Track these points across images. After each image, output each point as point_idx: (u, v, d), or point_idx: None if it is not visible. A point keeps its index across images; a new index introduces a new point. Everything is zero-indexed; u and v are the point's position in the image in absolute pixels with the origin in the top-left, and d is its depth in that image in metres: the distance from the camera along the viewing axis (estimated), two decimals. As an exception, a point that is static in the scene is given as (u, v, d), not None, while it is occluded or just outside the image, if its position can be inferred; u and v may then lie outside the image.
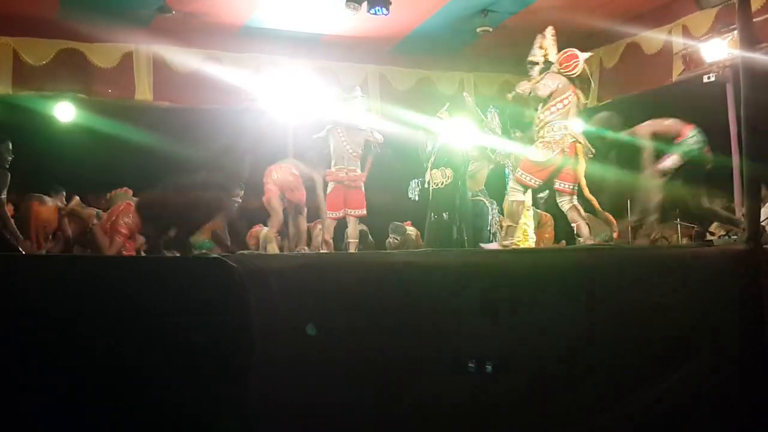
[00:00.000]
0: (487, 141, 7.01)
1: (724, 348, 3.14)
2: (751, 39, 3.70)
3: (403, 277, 2.56)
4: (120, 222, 6.49)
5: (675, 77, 7.53)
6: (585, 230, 5.53)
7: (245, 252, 6.35)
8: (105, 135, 7.40)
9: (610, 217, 5.84)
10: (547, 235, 7.70)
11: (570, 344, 2.80)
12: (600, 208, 5.76)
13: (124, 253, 6.49)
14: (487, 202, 7.10)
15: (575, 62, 5.78)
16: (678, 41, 7.45)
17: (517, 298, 2.73)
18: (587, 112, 8.69)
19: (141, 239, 7.05)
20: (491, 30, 7.78)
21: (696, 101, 7.55)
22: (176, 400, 2.26)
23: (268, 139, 8.06)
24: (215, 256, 2.81)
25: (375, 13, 6.97)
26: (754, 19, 4.13)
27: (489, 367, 2.52)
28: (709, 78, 6.97)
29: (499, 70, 9.31)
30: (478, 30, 7.84)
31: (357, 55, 8.63)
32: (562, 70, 5.79)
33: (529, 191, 6.19)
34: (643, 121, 6.05)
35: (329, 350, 2.30)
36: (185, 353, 2.26)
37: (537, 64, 5.95)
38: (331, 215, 6.64)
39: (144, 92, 7.95)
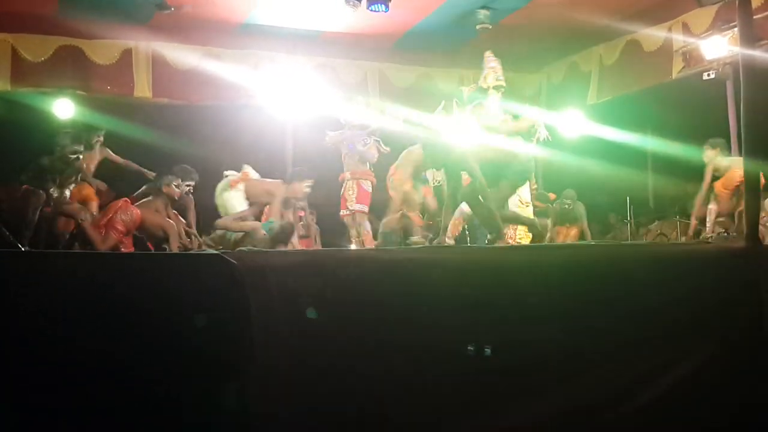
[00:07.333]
0: (486, 138, 7.01)
1: (721, 345, 3.14)
2: (751, 36, 3.69)
3: (404, 273, 2.56)
4: (117, 219, 6.45)
5: (675, 74, 7.51)
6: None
7: (245, 249, 6.34)
8: (104, 132, 7.39)
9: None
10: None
11: (568, 341, 2.80)
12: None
13: (123, 250, 6.47)
14: None
15: None
16: (678, 38, 7.44)
17: (516, 295, 2.74)
18: (588, 109, 8.73)
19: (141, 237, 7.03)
20: (491, 27, 7.77)
21: (696, 98, 7.56)
22: (174, 398, 2.25)
23: (267, 136, 8.10)
24: (215, 252, 2.80)
25: (375, 10, 6.95)
26: (754, 16, 4.13)
27: (488, 350, 2.53)
28: (709, 75, 6.97)
29: (498, 67, 9.32)
30: (478, 27, 7.83)
31: (356, 53, 8.61)
32: None
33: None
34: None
35: (329, 346, 2.30)
36: (184, 350, 2.26)
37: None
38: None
39: (143, 89, 7.94)
